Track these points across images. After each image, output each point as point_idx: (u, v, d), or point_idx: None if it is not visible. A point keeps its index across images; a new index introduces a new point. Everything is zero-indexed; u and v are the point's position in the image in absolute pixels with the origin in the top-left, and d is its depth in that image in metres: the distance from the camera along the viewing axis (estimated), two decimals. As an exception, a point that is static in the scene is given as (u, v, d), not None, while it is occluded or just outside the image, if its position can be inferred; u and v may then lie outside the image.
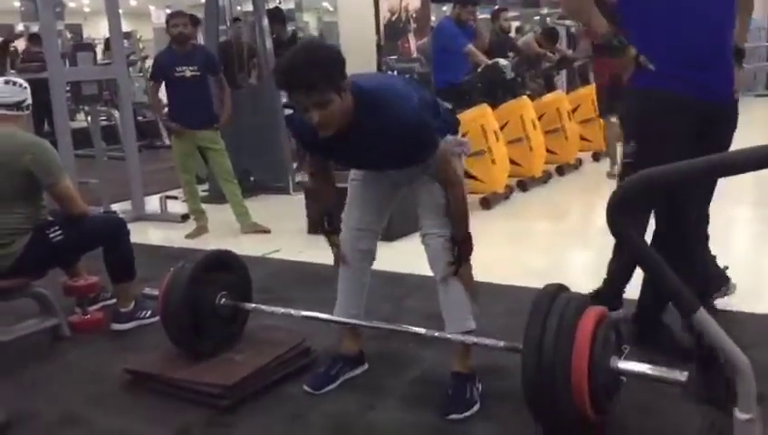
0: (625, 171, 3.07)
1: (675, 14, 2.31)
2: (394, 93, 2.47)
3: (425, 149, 2.48)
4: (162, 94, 5.67)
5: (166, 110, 5.63)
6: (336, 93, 2.31)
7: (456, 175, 2.62)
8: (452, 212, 2.61)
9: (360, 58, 6.80)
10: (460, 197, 2.62)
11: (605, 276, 3.27)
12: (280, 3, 8.45)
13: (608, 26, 2.35)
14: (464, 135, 6.02)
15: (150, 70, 6.30)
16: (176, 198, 6.46)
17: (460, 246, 2.62)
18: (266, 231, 5.43)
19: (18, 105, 3.42)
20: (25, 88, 3.49)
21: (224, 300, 2.99)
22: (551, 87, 7.91)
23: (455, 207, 2.61)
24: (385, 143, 2.42)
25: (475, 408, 2.57)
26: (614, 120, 6.71)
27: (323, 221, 2.83)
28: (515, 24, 12.02)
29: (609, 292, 3.22)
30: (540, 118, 6.96)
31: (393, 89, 2.52)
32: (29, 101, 3.49)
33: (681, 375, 2.18)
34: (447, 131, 2.67)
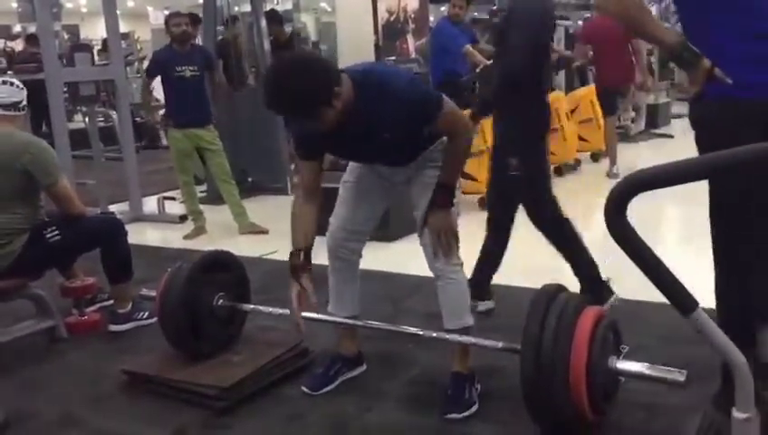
0: (512, 186, 3.29)
1: (739, 14, 2.11)
2: (388, 74, 2.52)
3: (432, 111, 2.47)
4: (158, 93, 5.66)
5: (162, 112, 5.63)
6: (324, 107, 2.31)
7: (465, 126, 2.60)
8: (447, 156, 2.58)
9: (358, 59, 6.77)
10: (462, 148, 2.59)
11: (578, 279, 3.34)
12: (277, 3, 8.43)
13: (675, 35, 2.11)
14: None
15: (147, 65, 6.30)
16: (174, 198, 6.46)
17: (438, 190, 2.56)
18: (264, 232, 5.42)
19: (15, 106, 3.43)
20: (22, 89, 3.49)
21: (221, 301, 2.98)
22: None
23: (453, 153, 2.57)
24: (389, 124, 2.42)
25: (474, 408, 2.57)
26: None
27: (310, 244, 2.67)
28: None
29: (591, 285, 3.28)
30: (538, 118, 6.96)
31: (386, 70, 2.62)
32: (25, 101, 3.49)
33: (680, 375, 2.18)
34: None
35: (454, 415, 2.53)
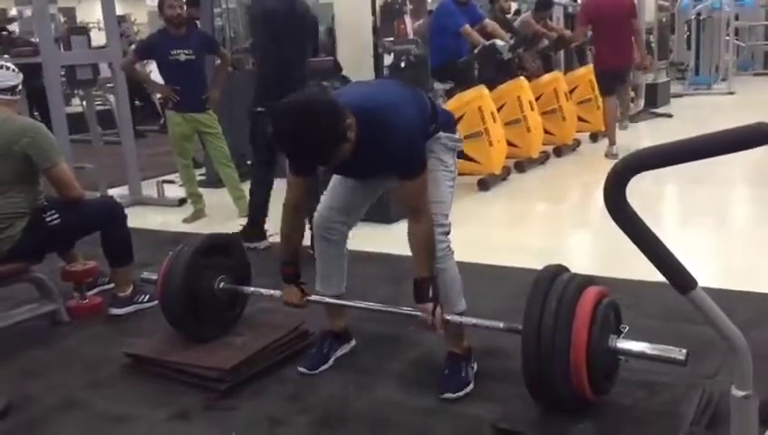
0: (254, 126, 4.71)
1: None
2: (392, 109, 2.45)
3: (412, 167, 2.46)
4: (156, 76, 5.63)
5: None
6: (342, 144, 2.33)
7: (425, 205, 2.52)
8: (413, 247, 2.53)
9: (355, 40, 6.76)
10: (427, 229, 2.52)
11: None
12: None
13: None
14: (460, 117, 5.98)
15: (136, 45, 6.23)
16: (173, 182, 6.45)
17: (414, 286, 2.56)
18: (263, 215, 5.41)
19: (12, 90, 3.42)
20: (18, 73, 3.49)
21: (222, 284, 2.99)
22: (548, 67, 7.87)
23: (417, 243, 2.52)
24: (382, 154, 2.43)
25: (469, 388, 2.59)
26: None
27: (299, 256, 2.76)
28: (514, 5, 11.91)
29: (252, 225, 4.42)
30: (537, 99, 6.94)
31: (391, 105, 2.48)
32: (21, 85, 3.49)
33: (680, 354, 2.19)
34: (442, 129, 2.68)
35: (449, 395, 2.55)
